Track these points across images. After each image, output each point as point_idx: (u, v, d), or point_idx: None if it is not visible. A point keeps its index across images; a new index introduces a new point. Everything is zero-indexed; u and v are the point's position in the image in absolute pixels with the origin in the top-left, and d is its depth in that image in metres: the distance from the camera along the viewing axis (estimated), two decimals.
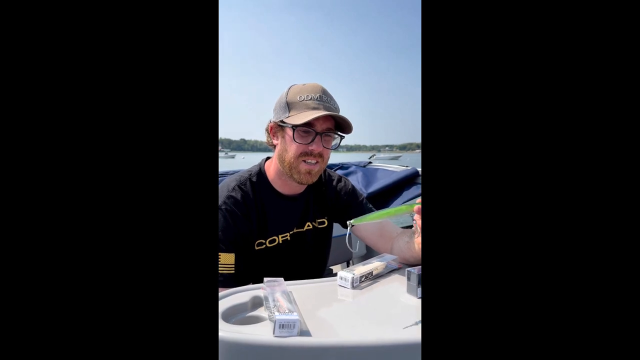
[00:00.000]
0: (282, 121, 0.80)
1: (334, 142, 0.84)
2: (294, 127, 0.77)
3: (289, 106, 0.79)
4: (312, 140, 0.79)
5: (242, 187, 0.83)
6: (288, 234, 0.86)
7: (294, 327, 0.44)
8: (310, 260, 0.93)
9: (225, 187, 0.83)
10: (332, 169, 1.84)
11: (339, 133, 0.83)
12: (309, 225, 0.91)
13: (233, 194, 0.81)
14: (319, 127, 0.79)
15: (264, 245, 0.83)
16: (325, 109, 0.78)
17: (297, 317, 0.45)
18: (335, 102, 0.82)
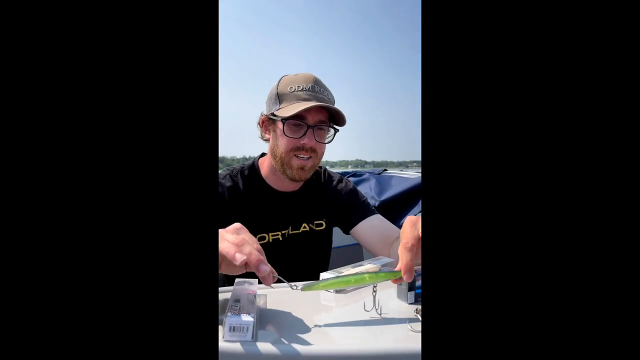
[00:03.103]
0: (272, 114, 0.75)
1: (328, 136, 0.78)
2: (284, 120, 0.73)
3: (279, 98, 0.75)
4: (304, 134, 0.73)
5: (234, 177, 0.80)
6: (280, 233, 0.81)
7: (247, 330, 0.38)
8: (307, 266, 0.86)
9: None
10: (344, 176, 1.77)
11: (333, 126, 0.77)
12: (305, 227, 0.84)
13: (222, 181, 0.79)
14: (311, 119, 0.73)
15: None
16: (318, 100, 0.73)
17: (251, 320, 0.38)
18: (329, 93, 0.77)
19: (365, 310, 0.48)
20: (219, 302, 0.52)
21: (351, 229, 0.85)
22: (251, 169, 0.83)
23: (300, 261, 0.84)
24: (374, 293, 0.47)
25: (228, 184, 0.78)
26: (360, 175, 1.70)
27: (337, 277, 0.47)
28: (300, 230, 0.84)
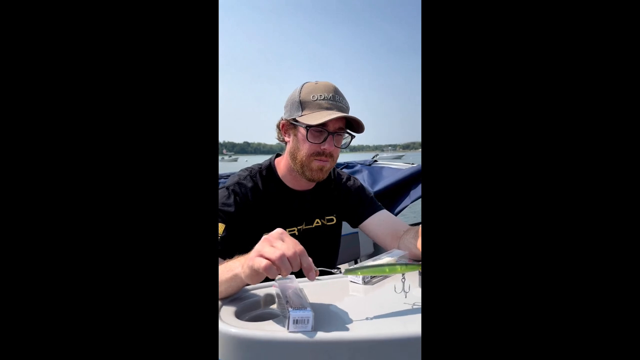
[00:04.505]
0: (294, 119, 0.81)
1: (344, 141, 0.84)
2: (308, 127, 0.78)
3: (302, 105, 0.80)
4: (324, 140, 0.80)
5: (253, 178, 0.86)
6: (296, 229, 0.87)
7: (307, 322, 0.45)
8: (319, 258, 0.93)
9: (236, 176, 0.86)
10: (337, 167, 1.83)
11: (350, 132, 0.83)
12: (317, 222, 0.91)
13: (244, 182, 0.84)
14: (331, 127, 0.80)
15: None
16: (338, 109, 0.80)
17: (310, 313, 0.45)
18: (346, 101, 0.84)
19: (396, 292, 0.56)
20: (263, 296, 0.58)
21: (360, 223, 0.92)
22: (268, 169, 0.88)
23: (313, 253, 0.91)
24: (403, 280, 0.55)
25: (250, 184, 0.83)
26: (353, 166, 1.77)
27: (376, 265, 0.55)
28: (314, 225, 0.90)
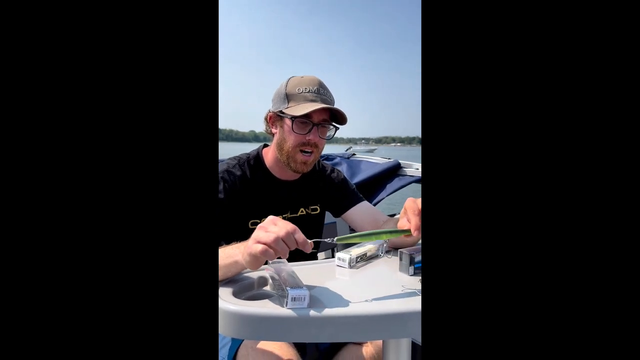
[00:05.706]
0: (281, 112, 0.85)
1: (328, 133, 0.89)
2: (293, 118, 0.82)
3: (287, 98, 0.85)
4: (309, 131, 0.84)
5: (242, 167, 0.90)
6: (281, 216, 0.91)
7: (304, 299, 0.49)
8: None
9: (225, 165, 0.89)
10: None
11: (334, 124, 0.88)
12: (302, 211, 0.96)
13: (233, 170, 0.88)
14: (316, 118, 0.84)
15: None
16: (322, 101, 0.84)
17: (307, 291, 0.50)
18: (331, 95, 0.88)
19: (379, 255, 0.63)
20: (256, 278, 0.62)
21: (343, 213, 0.98)
22: (256, 159, 0.92)
23: None
24: (386, 242, 0.66)
25: (238, 172, 0.87)
26: (333, 159, 1.82)
27: (365, 234, 0.62)
28: (298, 214, 0.95)
